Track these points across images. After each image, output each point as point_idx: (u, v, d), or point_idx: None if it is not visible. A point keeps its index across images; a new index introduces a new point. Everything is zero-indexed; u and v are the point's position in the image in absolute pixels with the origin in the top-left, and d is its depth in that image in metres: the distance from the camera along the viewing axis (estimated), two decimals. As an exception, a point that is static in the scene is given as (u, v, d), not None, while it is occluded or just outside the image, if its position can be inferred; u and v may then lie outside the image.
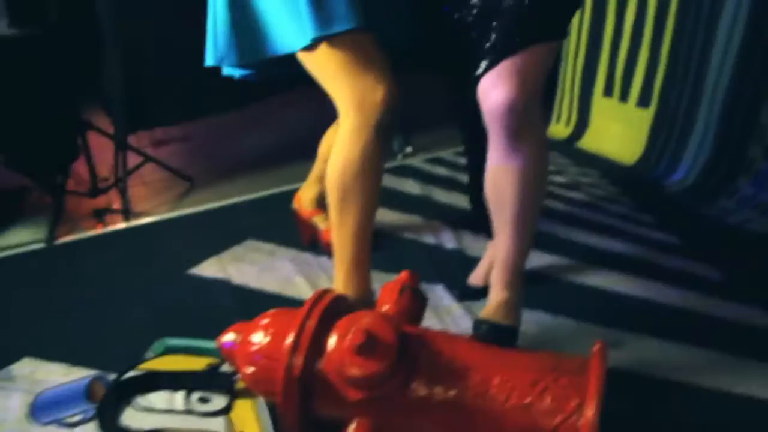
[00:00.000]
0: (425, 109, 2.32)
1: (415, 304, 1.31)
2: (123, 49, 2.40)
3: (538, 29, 1.21)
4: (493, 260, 1.43)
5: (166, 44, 2.38)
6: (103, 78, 2.54)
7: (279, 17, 1.32)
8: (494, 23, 1.23)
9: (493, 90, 1.20)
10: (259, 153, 2.94)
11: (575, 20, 2.69)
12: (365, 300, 1.44)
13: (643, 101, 2.47)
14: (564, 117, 2.85)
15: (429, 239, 1.99)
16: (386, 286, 1.33)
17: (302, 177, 1.96)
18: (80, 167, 2.53)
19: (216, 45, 1.42)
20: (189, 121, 2.75)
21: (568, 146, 2.70)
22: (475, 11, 1.29)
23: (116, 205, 2.43)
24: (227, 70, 1.54)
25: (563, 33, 1.31)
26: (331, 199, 1.40)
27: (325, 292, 1.22)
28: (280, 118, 3.11)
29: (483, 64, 1.23)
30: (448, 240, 1.97)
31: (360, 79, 1.30)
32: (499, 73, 1.20)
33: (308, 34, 1.27)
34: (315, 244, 1.92)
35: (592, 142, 2.65)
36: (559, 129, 2.85)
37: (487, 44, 1.23)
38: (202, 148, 3.04)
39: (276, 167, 2.67)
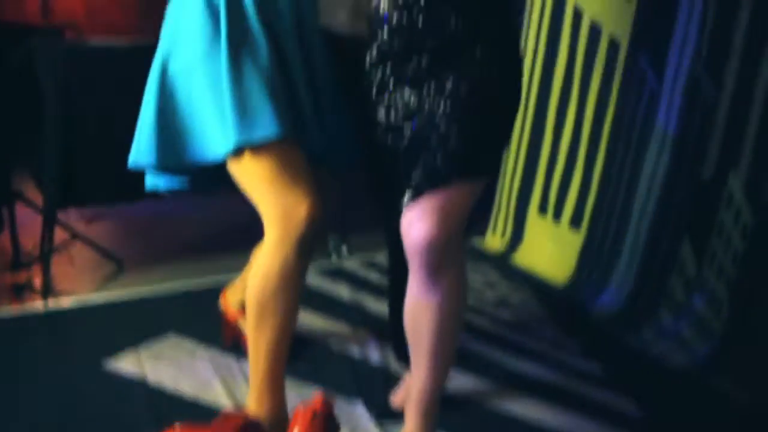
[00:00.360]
0: (363, 207, 2.34)
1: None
2: (63, 119, 2.36)
3: (464, 167, 1.25)
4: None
5: (109, 120, 2.35)
6: (39, 147, 2.48)
7: (205, 121, 1.32)
8: (422, 156, 1.27)
9: (415, 225, 1.23)
10: (199, 238, 2.90)
11: (515, 136, 2.80)
12: (277, 420, 1.41)
13: (576, 222, 2.56)
14: (500, 229, 2.91)
15: (354, 351, 1.97)
16: (299, 409, 1.31)
17: (240, 268, 1.93)
18: (4, 238, 2.45)
19: (139, 146, 1.41)
20: (125, 202, 2.70)
21: (502, 260, 2.75)
22: (406, 141, 1.33)
23: (37, 282, 2.35)
24: (150, 180, 1.52)
25: (490, 171, 1.35)
26: (249, 313, 1.39)
27: (231, 417, 1.19)
28: (225, 203, 3.08)
29: (407, 196, 1.25)
30: (374, 353, 1.95)
31: (284, 193, 1.30)
32: (422, 208, 1.22)
33: (231, 139, 1.28)
34: (238, 345, 1.88)
35: (525, 258, 2.71)
36: (494, 241, 2.90)
37: (413, 177, 1.26)
38: (138, 228, 2.98)
39: (215, 255, 2.63)
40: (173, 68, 1.35)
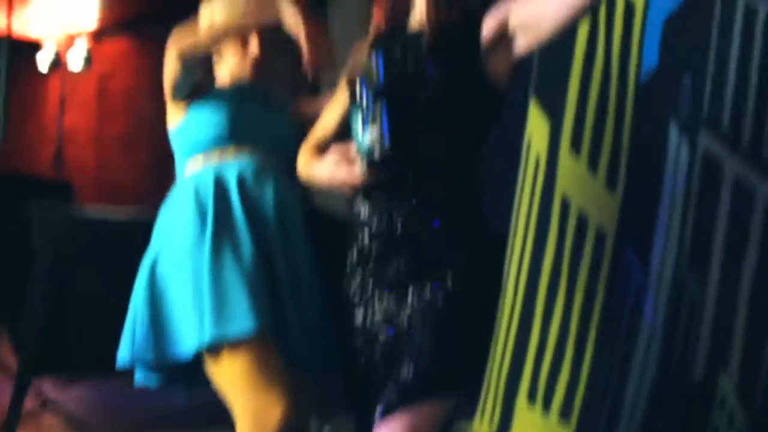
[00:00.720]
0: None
1: None
2: (50, 285, 2.38)
3: (438, 385, 1.23)
4: None
5: (98, 291, 2.36)
6: (22, 311, 2.48)
7: (184, 316, 1.32)
8: (395, 368, 1.25)
9: None
10: (177, 411, 2.80)
11: (505, 317, 2.78)
12: None
13: (565, 414, 2.46)
14: (488, 415, 2.81)
15: None
16: None
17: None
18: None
19: (126, 342, 1.39)
20: (106, 373, 2.63)
21: (490, 450, 2.62)
22: (380, 348, 1.31)
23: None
24: (139, 376, 1.50)
25: (467, 385, 1.33)
26: None
27: None
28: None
29: (378, 411, 1.22)
30: None
31: (258, 395, 1.27)
32: (392, 427, 1.18)
33: (206, 334, 1.27)
34: None
35: (513, 449, 2.59)
36: (482, 428, 2.79)
37: (386, 391, 1.23)
38: (115, 398, 2.88)
39: (193, 429, 2.53)
40: (161, 268, 1.39)
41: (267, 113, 1.56)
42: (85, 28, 7.50)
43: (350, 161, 1.31)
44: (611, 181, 2.45)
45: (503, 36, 1.35)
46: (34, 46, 7.67)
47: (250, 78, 1.55)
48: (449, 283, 1.27)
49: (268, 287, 1.35)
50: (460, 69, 1.34)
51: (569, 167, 2.64)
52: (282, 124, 1.57)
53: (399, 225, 1.32)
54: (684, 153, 2.17)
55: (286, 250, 1.41)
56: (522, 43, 1.35)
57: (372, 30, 1.49)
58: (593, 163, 2.54)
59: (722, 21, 2.15)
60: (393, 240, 1.33)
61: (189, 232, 1.38)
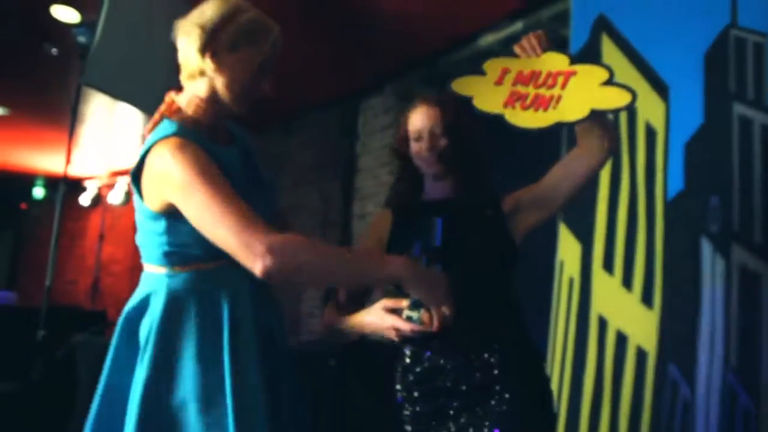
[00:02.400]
0: None
1: None
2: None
3: None
4: None
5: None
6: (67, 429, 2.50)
7: None
8: None
9: None
10: None
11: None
12: None
13: None
14: None
15: None
16: None
17: None
18: None
19: None
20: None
21: None
22: None
23: None
24: None
25: None
26: None
27: None
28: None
29: None
30: None
31: None
32: None
33: None
34: None
35: None
36: None
37: None
38: None
39: None
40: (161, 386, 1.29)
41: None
42: (127, 167, 7.94)
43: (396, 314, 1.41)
44: (647, 298, 2.47)
45: (517, 209, 1.60)
46: (77, 183, 8.10)
47: None
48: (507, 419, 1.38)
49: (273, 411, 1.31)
50: (493, 232, 1.57)
51: (603, 286, 2.67)
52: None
53: (449, 366, 1.45)
54: (719, 266, 2.22)
55: (284, 377, 1.38)
56: (537, 216, 1.60)
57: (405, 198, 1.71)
58: (627, 281, 2.58)
59: (742, 141, 2.27)
60: (444, 379, 1.45)
61: (197, 348, 1.29)
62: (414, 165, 1.66)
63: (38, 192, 9.73)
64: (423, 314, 1.32)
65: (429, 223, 1.56)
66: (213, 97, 1.39)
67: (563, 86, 1.42)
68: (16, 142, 7.03)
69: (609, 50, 2.82)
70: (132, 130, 6.35)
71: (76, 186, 7.97)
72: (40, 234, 9.60)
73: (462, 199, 1.62)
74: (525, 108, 1.45)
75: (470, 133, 1.60)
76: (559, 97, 1.41)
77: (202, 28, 1.35)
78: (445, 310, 1.30)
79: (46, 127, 6.23)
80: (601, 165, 1.51)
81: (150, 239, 1.35)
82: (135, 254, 8.48)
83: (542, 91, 1.44)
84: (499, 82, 1.49)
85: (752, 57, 2.29)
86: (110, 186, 7.91)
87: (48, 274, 2.96)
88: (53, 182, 9.10)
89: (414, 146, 1.62)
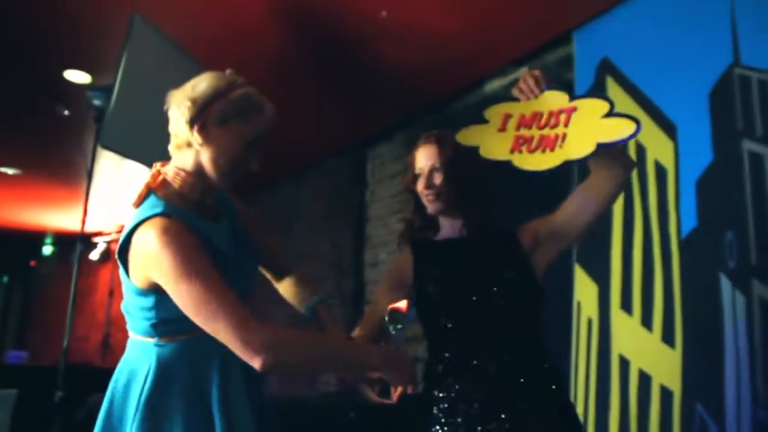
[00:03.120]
0: None
1: None
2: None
3: None
4: None
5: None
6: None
7: None
8: None
9: None
10: None
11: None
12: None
13: None
14: None
15: None
16: None
17: None
18: None
19: None
20: None
21: None
22: None
23: None
24: None
25: None
26: None
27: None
28: None
29: None
30: None
31: None
32: None
33: None
34: None
35: None
36: None
37: None
38: None
39: None
40: None
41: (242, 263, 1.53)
42: (135, 221, 7.96)
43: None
44: (668, 337, 2.46)
45: (537, 243, 1.59)
46: (86, 239, 8.13)
47: None
48: None
49: None
50: (515, 272, 1.56)
51: (623, 327, 2.67)
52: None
53: (479, 407, 1.45)
54: (740, 302, 2.22)
55: None
56: (558, 247, 1.60)
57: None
58: (647, 320, 2.57)
59: (753, 175, 2.29)
60: (474, 422, 1.45)
61: (186, 422, 1.30)
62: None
63: (47, 249, 9.78)
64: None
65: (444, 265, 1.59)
66: (199, 170, 1.39)
67: (566, 123, 1.41)
68: (27, 201, 7.09)
69: (614, 92, 2.88)
70: (139, 186, 6.40)
71: (85, 242, 8.00)
72: (49, 291, 9.61)
73: (476, 237, 1.62)
74: (531, 151, 1.44)
75: (470, 169, 1.60)
76: (564, 135, 1.40)
77: (193, 101, 1.35)
78: (408, 388, 1.40)
79: (56, 186, 6.30)
80: (621, 187, 1.51)
81: (137, 313, 1.35)
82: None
83: (546, 131, 1.43)
84: (502, 128, 1.49)
85: (758, 94, 2.34)
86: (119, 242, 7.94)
87: (66, 334, 2.96)
88: (61, 239, 9.14)
89: (418, 184, 1.66)
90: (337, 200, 4.95)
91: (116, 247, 1.34)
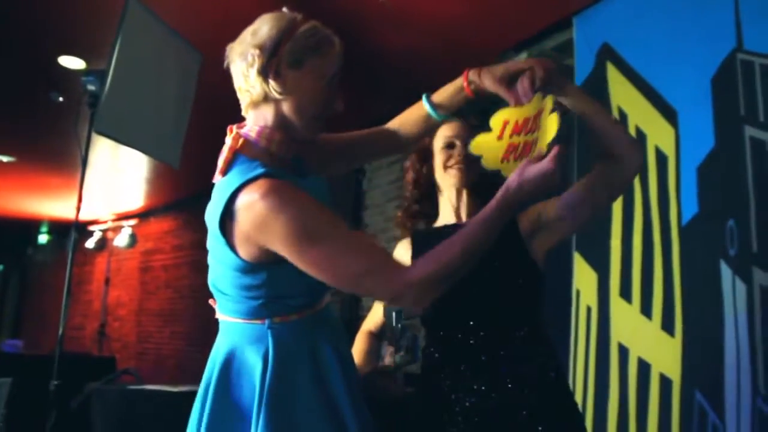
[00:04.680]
0: None
1: None
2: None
3: None
4: None
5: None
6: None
7: None
8: None
9: None
10: None
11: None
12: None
13: None
14: None
15: None
16: None
17: None
18: None
19: None
20: None
21: None
22: None
23: None
24: None
25: None
26: None
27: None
28: None
29: None
30: None
31: None
32: None
33: None
34: None
35: None
36: None
37: None
38: None
39: None
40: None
41: None
42: (132, 211, 7.95)
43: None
44: (668, 325, 2.45)
45: (539, 227, 1.55)
46: (82, 227, 8.10)
47: None
48: None
49: None
50: (512, 255, 1.53)
51: (622, 315, 2.66)
52: None
53: (477, 394, 1.44)
54: (740, 290, 2.20)
55: None
56: (557, 234, 1.55)
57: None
58: (646, 308, 2.56)
59: (755, 162, 2.27)
60: (472, 408, 1.43)
61: (317, 402, 1.20)
62: (429, 186, 1.66)
63: (42, 237, 9.75)
64: None
65: None
66: (283, 122, 1.25)
67: (538, 127, 1.35)
68: (22, 189, 7.06)
69: (614, 78, 2.85)
70: (135, 174, 6.38)
71: (81, 230, 7.98)
72: (45, 279, 9.59)
73: None
74: (517, 159, 1.38)
75: None
76: (535, 140, 1.35)
77: (260, 47, 1.21)
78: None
79: (50, 174, 6.27)
80: (630, 179, 1.48)
81: (241, 292, 1.21)
82: (141, 297, 8.52)
83: (528, 137, 1.37)
84: (500, 136, 1.43)
85: (760, 79, 2.31)
86: (115, 229, 7.92)
87: (61, 322, 2.93)
88: (57, 227, 9.11)
89: (444, 154, 1.63)
90: (334, 187, 4.92)
91: (213, 216, 1.18)
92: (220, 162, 1.23)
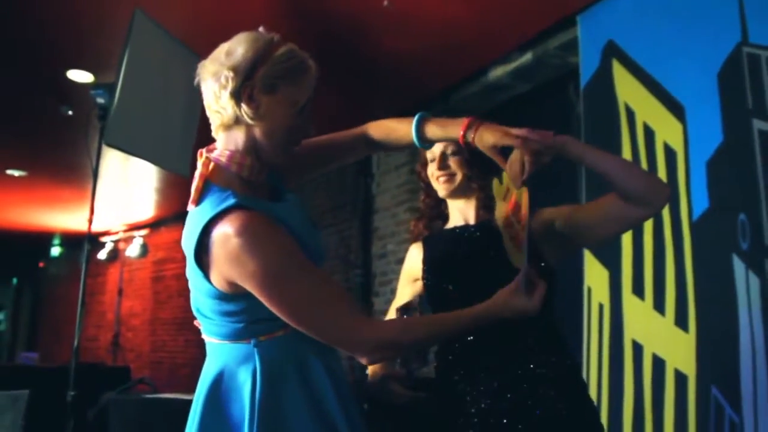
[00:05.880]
0: None
1: None
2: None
3: None
4: None
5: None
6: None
7: None
8: None
9: None
10: None
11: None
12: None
13: None
14: None
15: None
16: None
17: None
18: None
19: None
20: None
21: None
22: None
23: None
24: None
25: None
26: None
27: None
28: None
29: None
30: None
31: None
32: None
33: None
34: None
35: None
36: None
37: None
38: None
39: None
40: None
41: None
42: (143, 221, 8.00)
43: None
44: (681, 320, 2.44)
45: (549, 233, 1.54)
46: (94, 238, 8.15)
47: None
48: None
49: None
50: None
51: (635, 311, 2.65)
52: None
53: (490, 395, 1.44)
54: (754, 284, 2.19)
55: None
56: (573, 244, 1.58)
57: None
58: (659, 304, 2.55)
59: (764, 155, 2.26)
60: (486, 409, 1.44)
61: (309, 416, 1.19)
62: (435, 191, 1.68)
63: (55, 250, 9.82)
64: None
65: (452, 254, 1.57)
66: (253, 146, 1.23)
67: (522, 229, 1.33)
68: (34, 203, 7.11)
69: (620, 75, 2.85)
70: (146, 184, 6.42)
71: (93, 241, 8.03)
72: (58, 292, 9.65)
73: (484, 223, 1.61)
74: (510, 238, 1.39)
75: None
76: (522, 242, 1.33)
77: (234, 69, 1.17)
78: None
79: (61, 187, 6.32)
80: (658, 210, 1.46)
81: (222, 318, 1.20)
82: (153, 307, 8.54)
83: (519, 228, 1.35)
84: (504, 197, 1.42)
85: (767, 72, 2.30)
86: (126, 240, 7.96)
87: (76, 334, 2.96)
88: (69, 240, 9.18)
89: (431, 166, 1.65)
90: (343, 192, 4.94)
91: (188, 245, 1.17)
92: (193, 190, 1.21)
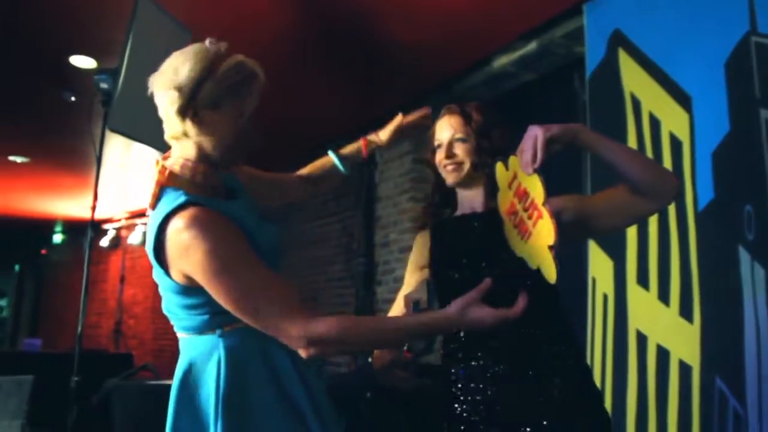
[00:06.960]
0: None
1: None
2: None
3: None
4: None
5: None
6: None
7: None
8: None
9: None
10: None
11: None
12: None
13: None
14: None
15: None
16: None
17: None
18: None
19: None
20: None
21: None
22: None
23: None
24: None
25: None
26: None
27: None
28: None
29: None
30: None
31: None
32: None
33: None
34: None
35: None
36: None
37: None
38: None
39: None
40: None
41: None
42: (145, 208, 7.99)
43: None
44: (686, 311, 2.44)
45: (558, 223, 1.51)
46: (96, 225, 8.16)
47: None
48: None
49: None
50: None
51: (639, 302, 2.64)
52: None
53: (496, 384, 1.44)
54: (759, 275, 2.18)
55: None
56: (579, 234, 1.58)
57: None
58: (664, 295, 2.55)
59: (772, 147, 2.25)
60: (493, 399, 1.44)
61: (275, 403, 1.25)
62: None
63: (57, 237, 9.83)
64: None
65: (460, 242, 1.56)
66: (203, 156, 1.30)
67: (534, 224, 1.32)
68: (36, 189, 7.11)
69: (626, 65, 2.83)
70: (148, 171, 6.40)
71: (95, 228, 8.03)
72: (60, 279, 9.67)
73: (492, 211, 1.58)
74: (514, 226, 1.39)
75: (499, 138, 1.58)
76: (530, 234, 1.33)
77: (179, 89, 1.23)
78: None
79: (64, 173, 6.31)
80: (664, 204, 1.46)
81: (186, 312, 1.27)
82: (155, 294, 8.51)
83: (525, 217, 1.35)
84: (509, 185, 1.41)
85: (775, 63, 2.29)
86: (129, 227, 7.97)
87: (79, 320, 2.96)
88: (71, 227, 9.18)
89: (436, 155, 1.64)
90: (346, 181, 4.92)
91: (148, 245, 1.24)
92: (150, 196, 1.28)
